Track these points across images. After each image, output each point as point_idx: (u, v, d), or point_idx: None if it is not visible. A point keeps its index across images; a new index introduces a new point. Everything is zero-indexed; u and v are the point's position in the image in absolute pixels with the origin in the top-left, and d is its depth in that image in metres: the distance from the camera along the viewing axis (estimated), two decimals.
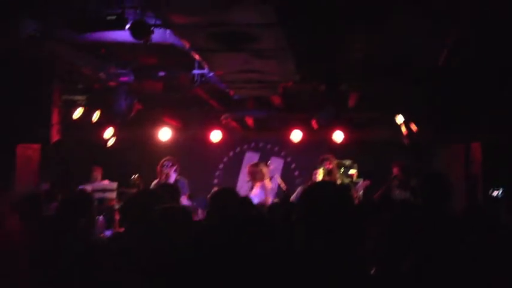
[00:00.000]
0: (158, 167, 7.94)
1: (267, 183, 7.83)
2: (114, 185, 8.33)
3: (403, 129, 8.42)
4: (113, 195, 8.13)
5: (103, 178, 8.52)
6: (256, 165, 8.24)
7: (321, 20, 4.82)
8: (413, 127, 8.14)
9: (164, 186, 5.49)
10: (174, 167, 7.84)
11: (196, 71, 6.91)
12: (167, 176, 7.86)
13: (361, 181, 8.75)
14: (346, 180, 8.72)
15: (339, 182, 8.42)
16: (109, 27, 4.89)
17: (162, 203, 3.31)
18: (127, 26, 4.83)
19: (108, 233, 5.80)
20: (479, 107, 7.16)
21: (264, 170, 7.97)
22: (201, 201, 7.71)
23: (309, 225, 2.21)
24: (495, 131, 7.19)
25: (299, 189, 7.81)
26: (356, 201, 7.66)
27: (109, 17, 4.80)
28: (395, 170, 8.37)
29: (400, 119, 8.38)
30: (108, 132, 8.97)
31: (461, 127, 7.48)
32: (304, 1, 4.36)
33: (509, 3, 4.69)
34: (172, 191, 4.72)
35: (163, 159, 7.86)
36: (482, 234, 3.41)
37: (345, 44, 5.84)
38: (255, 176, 7.90)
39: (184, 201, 7.09)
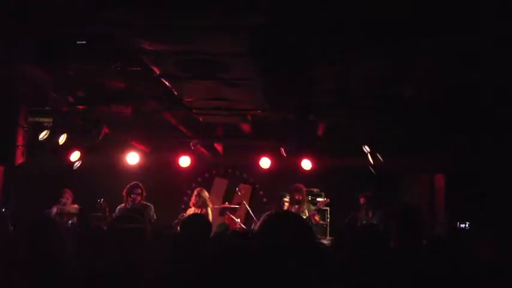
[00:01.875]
0: (124, 192, 7.87)
1: (209, 210, 8.04)
2: (76, 207, 8.20)
3: (370, 159, 8.54)
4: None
5: (73, 201, 8.39)
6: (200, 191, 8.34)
7: (290, 51, 4.90)
8: (379, 157, 8.28)
9: (130, 212, 5.44)
10: (141, 192, 7.79)
11: (165, 97, 6.91)
12: (133, 200, 7.79)
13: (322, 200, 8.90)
14: (313, 208, 8.79)
15: (305, 210, 8.49)
16: (77, 55, 4.87)
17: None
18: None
19: None
20: (444, 138, 7.33)
21: (206, 195, 8.14)
22: None
23: (269, 254, 2.22)
24: (459, 162, 7.36)
25: (263, 217, 7.87)
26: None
27: (79, 42, 4.80)
28: (362, 200, 8.47)
29: (366, 149, 8.51)
30: (75, 156, 8.85)
31: (426, 158, 7.64)
32: (275, 34, 4.42)
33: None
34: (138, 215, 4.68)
35: (130, 184, 7.79)
36: (445, 267, 3.46)
37: (314, 75, 5.94)
38: (198, 202, 8.06)
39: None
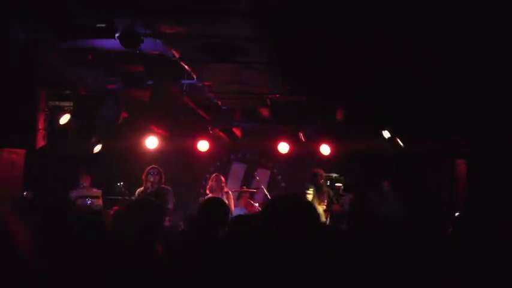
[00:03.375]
0: (143, 175, 7.90)
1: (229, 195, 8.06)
2: (99, 192, 8.28)
3: (390, 143, 8.47)
4: (99, 202, 8.08)
5: (91, 186, 8.46)
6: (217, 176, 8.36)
7: (311, 33, 4.84)
8: (400, 142, 8.20)
9: (152, 195, 5.46)
10: (159, 176, 7.82)
11: (184, 81, 6.89)
12: (152, 184, 7.82)
13: (347, 195, 8.80)
14: (332, 193, 8.75)
15: (326, 196, 8.44)
16: (99, 36, 4.86)
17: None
18: (116, 35, 4.82)
19: None
20: (465, 123, 7.23)
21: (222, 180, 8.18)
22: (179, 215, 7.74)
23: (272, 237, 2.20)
24: (481, 148, 7.26)
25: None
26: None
27: (99, 25, 4.80)
28: (386, 184, 8.40)
29: (386, 133, 8.43)
30: (95, 139, 8.92)
31: (447, 143, 7.55)
32: (294, 15, 4.37)
33: None
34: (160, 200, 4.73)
35: (148, 168, 7.83)
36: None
37: (335, 57, 5.87)
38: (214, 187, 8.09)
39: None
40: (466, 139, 7.20)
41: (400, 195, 7.94)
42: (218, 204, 4.38)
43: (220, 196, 7.84)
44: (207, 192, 8.26)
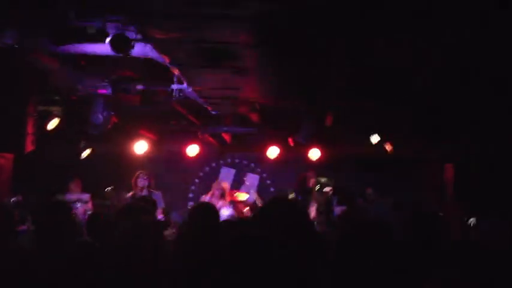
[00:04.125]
0: (132, 180, 7.89)
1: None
2: (88, 196, 8.25)
3: (380, 147, 8.53)
4: (88, 206, 8.05)
5: (82, 191, 8.42)
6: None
7: (301, 40, 4.87)
8: (389, 147, 8.25)
9: (141, 200, 5.46)
10: (148, 180, 7.81)
11: (174, 86, 6.89)
12: (141, 189, 7.82)
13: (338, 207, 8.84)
14: (321, 198, 8.75)
15: (315, 203, 8.43)
16: (89, 40, 4.86)
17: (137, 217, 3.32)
18: (107, 40, 4.82)
19: None
20: (454, 128, 7.29)
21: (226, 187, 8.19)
22: (177, 216, 7.72)
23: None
24: (470, 152, 7.32)
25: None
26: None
27: (90, 30, 4.79)
28: (368, 191, 8.44)
29: (375, 138, 8.48)
30: (84, 144, 8.89)
31: (436, 147, 7.60)
32: (285, 22, 4.40)
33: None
34: (149, 204, 4.72)
35: (138, 172, 7.82)
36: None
37: (325, 64, 5.91)
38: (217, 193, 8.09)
39: (159, 215, 7.07)
40: (455, 143, 7.26)
41: (386, 202, 8.00)
42: (208, 210, 4.39)
43: (218, 203, 7.83)
44: (208, 196, 8.21)
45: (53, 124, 7.79)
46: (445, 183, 8.16)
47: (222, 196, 8.12)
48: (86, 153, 9.02)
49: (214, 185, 8.30)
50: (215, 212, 4.44)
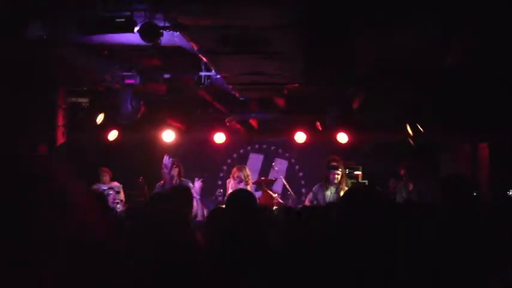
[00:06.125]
0: (162, 169, 7.88)
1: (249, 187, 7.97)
2: (119, 186, 8.31)
3: (409, 130, 8.38)
4: (121, 196, 8.12)
5: (111, 180, 8.50)
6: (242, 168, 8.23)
7: (329, 23, 4.79)
8: (419, 128, 8.11)
9: (177, 190, 5.44)
10: (178, 169, 7.78)
11: (202, 73, 6.86)
12: (172, 177, 7.80)
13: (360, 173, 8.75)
14: (351, 182, 8.68)
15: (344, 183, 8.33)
16: (118, 30, 4.84)
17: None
18: (136, 29, 4.80)
19: None
20: (485, 108, 7.14)
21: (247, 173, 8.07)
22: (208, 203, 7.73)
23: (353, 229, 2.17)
24: (502, 132, 7.17)
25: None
26: None
27: (118, 20, 4.77)
28: (401, 171, 8.28)
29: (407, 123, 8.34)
30: (113, 134, 8.93)
31: (467, 128, 7.46)
32: (314, 4, 4.32)
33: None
34: (186, 193, 4.73)
35: (164, 158, 7.77)
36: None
37: (352, 46, 5.81)
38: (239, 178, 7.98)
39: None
40: (489, 124, 7.11)
41: (421, 182, 7.85)
42: (246, 195, 4.36)
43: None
44: (230, 180, 8.13)
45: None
46: (479, 164, 8.01)
47: (243, 182, 7.97)
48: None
49: (233, 173, 8.19)
50: (253, 196, 4.40)
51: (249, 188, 8.08)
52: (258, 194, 8.35)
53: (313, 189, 8.03)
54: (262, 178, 9.82)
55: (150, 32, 4.79)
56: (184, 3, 4.34)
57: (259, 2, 4.06)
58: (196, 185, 7.48)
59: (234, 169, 8.16)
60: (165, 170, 7.57)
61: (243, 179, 7.95)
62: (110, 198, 7.56)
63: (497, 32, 5.39)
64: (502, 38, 5.55)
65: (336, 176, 7.76)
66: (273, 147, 11.12)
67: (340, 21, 4.68)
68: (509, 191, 7.07)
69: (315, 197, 7.90)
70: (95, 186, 8.01)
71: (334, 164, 7.82)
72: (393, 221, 2.19)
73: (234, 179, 8.04)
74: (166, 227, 2.99)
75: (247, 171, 8.10)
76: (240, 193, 4.25)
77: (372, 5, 4.32)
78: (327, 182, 7.82)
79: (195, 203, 6.78)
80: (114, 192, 7.80)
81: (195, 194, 7.01)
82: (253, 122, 10.22)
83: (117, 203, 7.52)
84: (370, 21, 4.68)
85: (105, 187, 7.71)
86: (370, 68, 6.75)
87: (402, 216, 2.56)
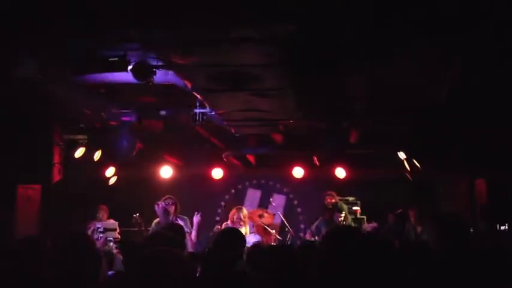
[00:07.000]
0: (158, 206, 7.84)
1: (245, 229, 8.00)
2: (116, 223, 8.25)
3: (406, 165, 8.37)
4: (115, 234, 8.04)
5: (109, 217, 8.45)
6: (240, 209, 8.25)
7: (323, 60, 4.82)
8: (416, 164, 8.10)
9: (170, 228, 5.40)
10: (175, 206, 7.76)
11: (197, 110, 6.89)
12: (168, 214, 7.75)
13: (366, 224, 8.75)
14: (350, 217, 8.63)
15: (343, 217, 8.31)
16: (112, 69, 4.89)
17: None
18: (129, 68, 4.84)
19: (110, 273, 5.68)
20: (481, 144, 7.13)
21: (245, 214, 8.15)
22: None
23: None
24: (498, 169, 7.16)
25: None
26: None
27: (111, 59, 4.82)
28: (411, 216, 8.24)
29: (402, 155, 8.34)
30: (110, 171, 8.93)
31: (464, 164, 7.44)
32: (306, 42, 4.36)
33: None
34: (177, 233, 4.70)
35: (163, 198, 7.78)
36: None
37: (347, 83, 5.85)
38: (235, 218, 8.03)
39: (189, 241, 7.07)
40: (485, 158, 7.09)
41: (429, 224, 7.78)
42: (235, 235, 4.34)
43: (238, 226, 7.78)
44: (228, 222, 8.19)
45: (79, 153, 7.85)
46: (476, 199, 7.96)
47: (242, 221, 8.02)
48: (113, 181, 9.05)
49: (231, 214, 8.22)
50: (242, 237, 4.38)
51: (246, 228, 8.08)
52: (258, 238, 8.30)
53: (316, 223, 8.16)
54: (260, 222, 9.53)
55: (143, 71, 4.84)
56: (176, 43, 4.38)
57: (248, 41, 4.10)
58: (195, 220, 7.49)
59: (233, 210, 8.19)
60: (159, 212, 7.52)
61: (242, 219, 7.99)
62: (100, 242, 7.42)
63: (494, 69, 5.43)
64: (498, 75, 5.59)
65: (339, 219, 7.93)
66: (270, 183, 11.09)
67: (329, 57, 4.71)
68: (505, 225, 7.03)
69: (318, 232, 8.07)
70: (91, 224, 7.96)
71: (332, 203, 8.02)
72: (374, 262, 2.16)
73: (232, 221, 8.04)
74: (166, 268, 2.96)
75: (245, 211, 8.17)
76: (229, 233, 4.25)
77: (357, 43, 4.36)
78: (331, 220, 8.00)
79: (187, 236, 6.78)
80: (111, 231, 7.73)
81: (186, 229, 7.00)
82: (251, 158, 10.22)
83: (110, 240, 7.43)
84: (358, 58, 4.71)
85: (99, 225, 7.63)
86: (364, 103, 6.77)
87: (387, 257, 2.51)
